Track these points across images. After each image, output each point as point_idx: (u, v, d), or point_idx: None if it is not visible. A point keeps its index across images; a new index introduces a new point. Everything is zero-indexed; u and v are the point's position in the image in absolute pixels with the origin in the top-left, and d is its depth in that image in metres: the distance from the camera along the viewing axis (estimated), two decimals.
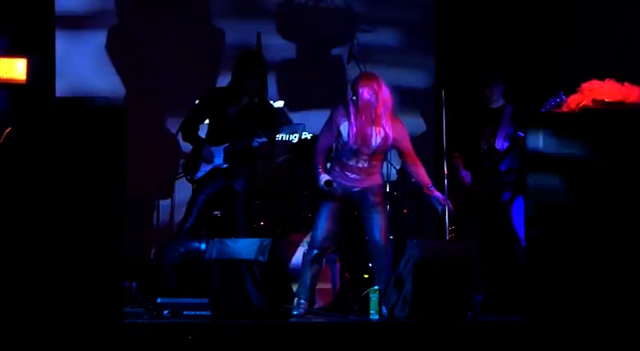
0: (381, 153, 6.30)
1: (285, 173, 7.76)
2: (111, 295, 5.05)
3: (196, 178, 6.89)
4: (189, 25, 8.37)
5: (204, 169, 6.88)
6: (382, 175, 6.44)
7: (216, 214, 7.37)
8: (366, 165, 6.28)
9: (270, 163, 7.12)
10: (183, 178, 7.37)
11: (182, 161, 7.11)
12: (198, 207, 6.88)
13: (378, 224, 6.29)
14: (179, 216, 7.74)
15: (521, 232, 6.35)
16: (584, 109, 5.40)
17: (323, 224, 6.32)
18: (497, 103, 6.74)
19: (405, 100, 8.28)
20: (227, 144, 6.83)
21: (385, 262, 6.27)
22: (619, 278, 4.77)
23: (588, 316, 4.78)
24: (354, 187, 6.32)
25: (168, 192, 7.65)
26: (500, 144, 6.59)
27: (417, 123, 8.28)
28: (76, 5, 8.11)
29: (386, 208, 6.42)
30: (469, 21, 8.23)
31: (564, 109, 5.61)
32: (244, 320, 5.62)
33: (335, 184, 6.22)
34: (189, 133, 7.00)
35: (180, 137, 7.09)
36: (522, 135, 6.36)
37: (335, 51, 6.85)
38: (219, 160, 6.86)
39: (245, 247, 5.92)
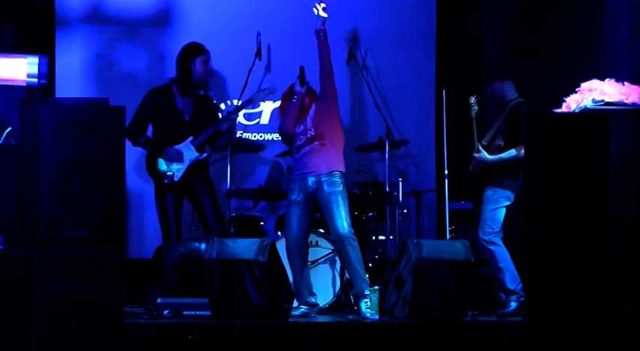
0: None
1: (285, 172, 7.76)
2: (111, 295, 5.06)
3: (176, 180, 6.79)
4: (190, 24, 8.36)
5: (182, 167, 6.80)
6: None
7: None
8: None
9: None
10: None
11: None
12: (173, 215, 6.81)
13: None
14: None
15: (484, 223, 6.38)
16: (584, 109, 5.42)
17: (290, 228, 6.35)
18: (506, 99, 6.70)
19: (406, 99, 8.27)
20: (191, 137, 6.80)
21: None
22: (618, 278, 4.78)
23: (588, 316, 4.79)
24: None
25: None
26: (489, 138, 6.57)
27: (418, 123, 8.26)
28: (76, 5, 8.10)
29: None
30: (469, 17, 8.24)
31: (564, 109, 5.62)
32: (244, 320, 5.62)
33: None
34: (138, 137, 6.86)
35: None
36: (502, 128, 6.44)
37: (335, 51, 6.81)
38: (192, 154, 6.80)
39: (245, 247, 5.92)
